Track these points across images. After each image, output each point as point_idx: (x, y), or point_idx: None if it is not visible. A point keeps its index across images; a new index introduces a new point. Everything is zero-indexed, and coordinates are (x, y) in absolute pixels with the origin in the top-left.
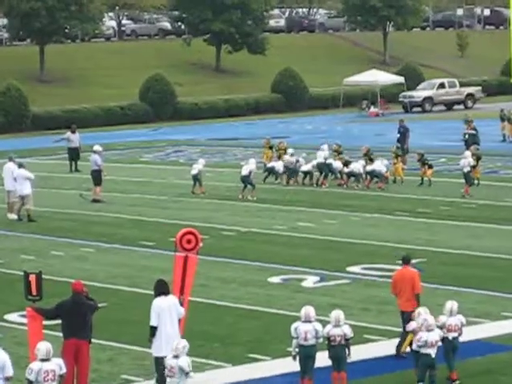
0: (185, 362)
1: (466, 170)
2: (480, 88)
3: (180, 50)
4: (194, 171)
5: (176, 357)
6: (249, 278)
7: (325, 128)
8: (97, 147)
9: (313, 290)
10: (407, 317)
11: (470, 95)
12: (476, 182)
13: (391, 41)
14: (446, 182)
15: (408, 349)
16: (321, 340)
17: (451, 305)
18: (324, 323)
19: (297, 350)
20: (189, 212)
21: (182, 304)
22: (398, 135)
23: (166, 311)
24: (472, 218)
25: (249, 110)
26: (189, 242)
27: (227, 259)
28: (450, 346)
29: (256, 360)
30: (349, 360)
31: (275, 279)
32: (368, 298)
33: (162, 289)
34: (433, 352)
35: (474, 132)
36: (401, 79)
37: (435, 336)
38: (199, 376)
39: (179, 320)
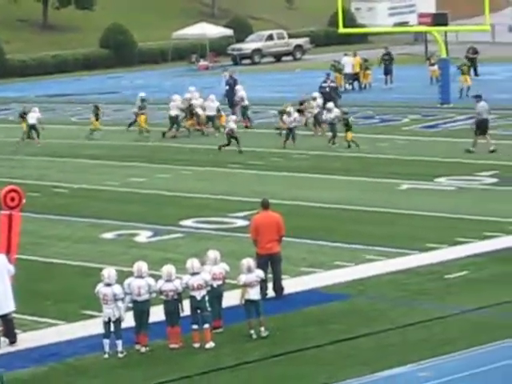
0: (119, 289)
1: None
2: (308, 39)
3: (7, 6)
4: (32, 120)
5: (108, 285)
6: (82, 235)
7: (155, 82)
8: None
9: (146, 245)
10: (276, 259)
11: (298, 46)
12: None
13: None
14: (276, 134)
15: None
16: (154, 295)
17: (214, 254)
18: (158, 278)
19: (130, 305)
20: (20, 170)
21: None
22: (227, 87)
23: None
24: (304, 169)
25: (78, 65)
26: (12, 199)
27: (60, 216)
28: (214, 294)
29: (90, 316)
30: (182, 314)
31: (108, 235)
32: (201, 251)
33: None
34: (198, 295)
35: (334, 85)
36: (229, 32)
37: (198, 280)
38: (34, 334)
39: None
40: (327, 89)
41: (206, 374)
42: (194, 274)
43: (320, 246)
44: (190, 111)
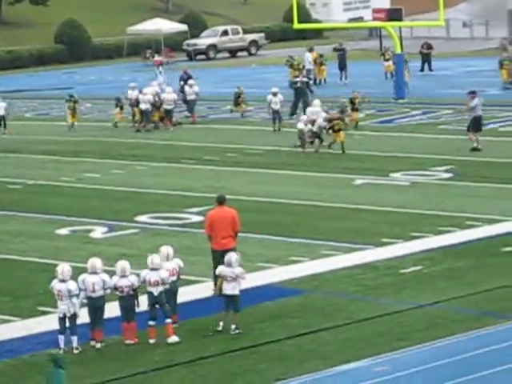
0: (73, 285)
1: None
2: (263, 35)
3: None
4: (1, 112)
5: (63, 281)
6: (36, 231)
7: (110, 78)
8: None
9: (101, 241)
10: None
11: (253, 42)
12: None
13: None
14: (232, 129)
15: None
16: (109, 291)
17: (167, 250)
18: (114, 274)
19: (85, 301)
20: None
21: None
22: (182, 83)
23: None
24: (259, 165)
25: (33, 61)
26: None
27: (14, 212)
28: (169, 290)
29: (46, 313)
30: (138, 309)
31: (63, 231)
32: (156, 246)
33: None
34: (154, 291)
35: (306, 80)
36: (184, 27)
37: (155, 276)
38: None
39: None
40: (299, 84)
41: (162, 369)
42: (152, 269)
43: (275, 242)
44: (155, 105)
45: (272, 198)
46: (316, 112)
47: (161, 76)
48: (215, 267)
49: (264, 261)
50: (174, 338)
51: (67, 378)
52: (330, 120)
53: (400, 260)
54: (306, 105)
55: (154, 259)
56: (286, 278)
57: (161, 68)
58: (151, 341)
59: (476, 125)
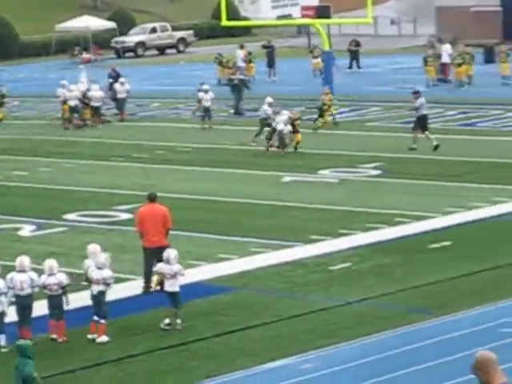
0: (1, 283)
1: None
2: (192, 32)
3: None
4: None
5: None
6: None
7: (37, 76)
8: None
9: (30, 239)
10: (161, 251)
11: (181, 39)
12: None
13: None
14: (161, 127)
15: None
16: (37, 289)
17: (94, 247)
18: (42, 272)
19: (13, 299)
20: None
21: None
22: (111, 80)
23: None
24: (187, 162)
25: None
26: None
27: None
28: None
29: None
30: (67, 307)
31: None
32: (85, 244)
33: None
34: (94, 289)
35: (243, 77)
36: (113, 24)
37: (96, 275)
38: None
39: None
40: (236, 81)
41: (91, 367)
42: (98, 268)
43: (205, 239)
44: (84, 102)
45: (202, 195)
46: (265, 110)
47: (83, 73)
48: (146, 264)
49: (193, 258)
50: (103, 338)
51: (35, 368)
52: (291, 120)
53: (329, 257)
54: (239, 102)
55: (100, 258)
56: (215, 276)
57: (82, 65)
58: (89, 336)
59: (421, 124)
